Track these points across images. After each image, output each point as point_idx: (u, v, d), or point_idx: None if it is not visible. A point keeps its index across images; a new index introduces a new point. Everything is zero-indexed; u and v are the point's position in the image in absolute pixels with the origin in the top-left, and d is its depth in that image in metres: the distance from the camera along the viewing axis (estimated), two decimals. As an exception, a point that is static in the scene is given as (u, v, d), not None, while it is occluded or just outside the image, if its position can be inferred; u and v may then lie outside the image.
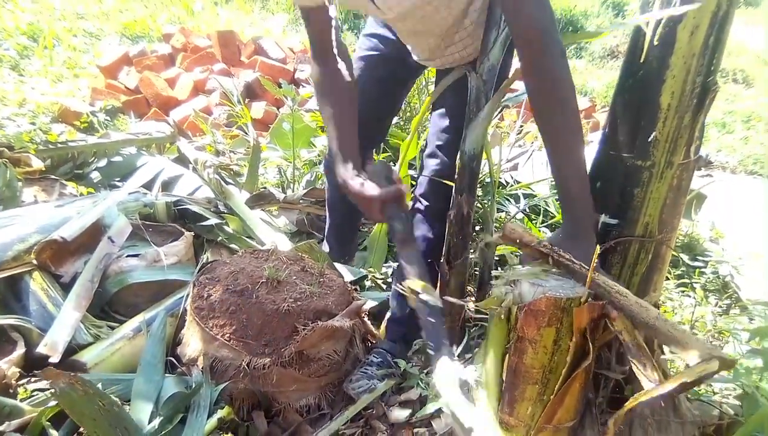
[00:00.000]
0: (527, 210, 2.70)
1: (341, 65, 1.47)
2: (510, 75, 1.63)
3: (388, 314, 1.87)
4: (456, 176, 1.59)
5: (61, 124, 3.70)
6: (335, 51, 1.46)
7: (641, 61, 1.34)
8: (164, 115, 3.72)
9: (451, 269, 1.64)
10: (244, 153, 3.14)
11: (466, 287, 1.71)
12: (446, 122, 1.73)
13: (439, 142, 1.72)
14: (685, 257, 2.73)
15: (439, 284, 1.69)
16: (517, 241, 1.19)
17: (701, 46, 1.28)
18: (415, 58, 1.74)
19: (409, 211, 1.52)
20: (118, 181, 2.72)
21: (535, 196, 2.69)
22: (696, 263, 2.72)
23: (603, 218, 1.43)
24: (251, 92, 3.93)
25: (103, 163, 2.77)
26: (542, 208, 2.63)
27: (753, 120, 6.12)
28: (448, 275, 1.64)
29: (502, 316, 1.17)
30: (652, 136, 1.34)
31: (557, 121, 1.27)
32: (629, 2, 11.12)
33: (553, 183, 2.79)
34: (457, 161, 1.58)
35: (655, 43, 1.31)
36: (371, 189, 1.41)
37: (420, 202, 1.77)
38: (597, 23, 9.32)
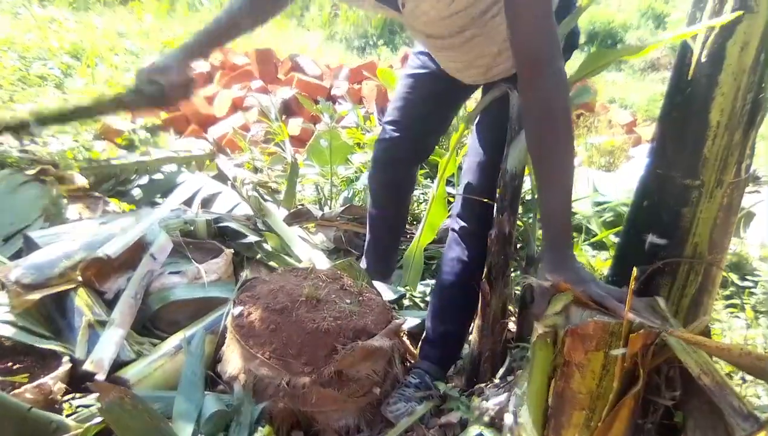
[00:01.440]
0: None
1: None
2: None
3: (424, 335, 1.85)
4: (497, 195, 1.57)
5: (102, 142, 3.80)
6: None
7: (689, 78, 1.32)
8: (203, 132, 3.78)
9: (492, 290, 1.61)
10: (281, 170, 3.16)
11: (508, 307, 1.68)
12: (485, 140, 1.72)
13: (478, 160, 1.71)
14: (734, 277, 2.64)
15: (480, 305, 1.67)
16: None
17: (752, 62, 1.25)
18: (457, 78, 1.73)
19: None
20: (159, 197, 2.77)
21: (576, 214, 2.64)
22: (745, 283, 2.63)
23: (651, 238, 1.40)
24: (288, 109, 3.97)
25: (144, 180, 2.82)
26: (584, 226, 2.58)
27: (800, 133, 5.94)
28: (489, 296, 1.62)
29: (548, 339, 1.14)
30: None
31: (546, 148, 1.24)
32: (670, 12, 10.94)
33: (594, 201, 2.75)
34: (499, 180, 1.56)
35: (703, 59, 1.29)
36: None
37: (456, 221, 1.76)
38: (637, 35, 9.20)
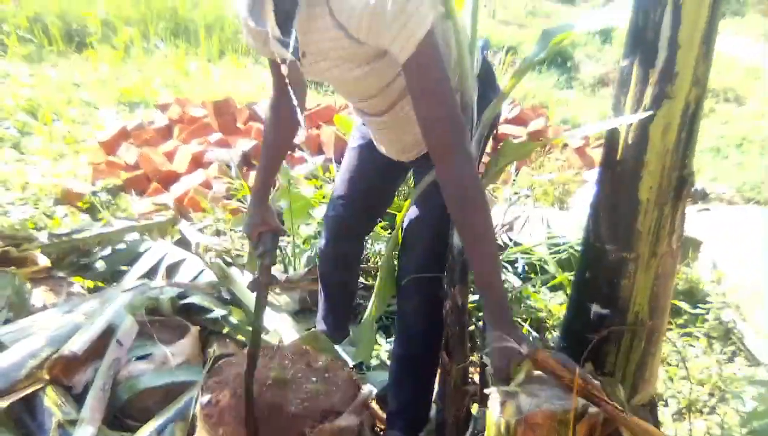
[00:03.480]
0: (526, 268, 2.73)
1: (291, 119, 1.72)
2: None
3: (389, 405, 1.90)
4: (447, 269, 1.63)
5: (63, 207, 3.78)
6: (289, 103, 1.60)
7: (618, 157, 1.40)
8: (165, 190, 3.79)
9: (451, 359, 1.67)
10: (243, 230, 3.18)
11: (468, 373, 1.73)
12: (423, 217, 1.78)
13: (417, 237, 1.78)
14: (686, 305, 2.75)
15: (440, 375, 1.72)
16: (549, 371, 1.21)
17: (674, 143, 1.34)
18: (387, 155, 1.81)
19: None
20: (123, 266, 2.77)
21: (532, 254, 2.72)
22: (698, 311, 2.74)
23: (594, 308, 1.47)
24: (248, 160, 4.00)
25: (107, 251, 2.83)
26: (539, 267, 2.67)
27: (747, 143, 6.17)
28: (449, 365, 1.67)
29: (502, 429, 1.20)
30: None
31: (467, 222, 1.32)
32: (616, 27, 11.25)
33: (550, 242, 2.84)
34: (447, 254, 1.62)
35: (630, 141, 1.37)
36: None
37: (402, 297, 1.84)
38: (585, 52, 9.44)
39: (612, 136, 1.42)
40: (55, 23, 7.81)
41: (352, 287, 2.33)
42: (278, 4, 1.36)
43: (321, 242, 2.19)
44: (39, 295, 2.34)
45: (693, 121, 1.34)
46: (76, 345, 1.82)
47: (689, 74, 1.29)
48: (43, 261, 2.55)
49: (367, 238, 2.62)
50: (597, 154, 5.30)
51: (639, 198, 1.37)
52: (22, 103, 5.59)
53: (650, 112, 1.29)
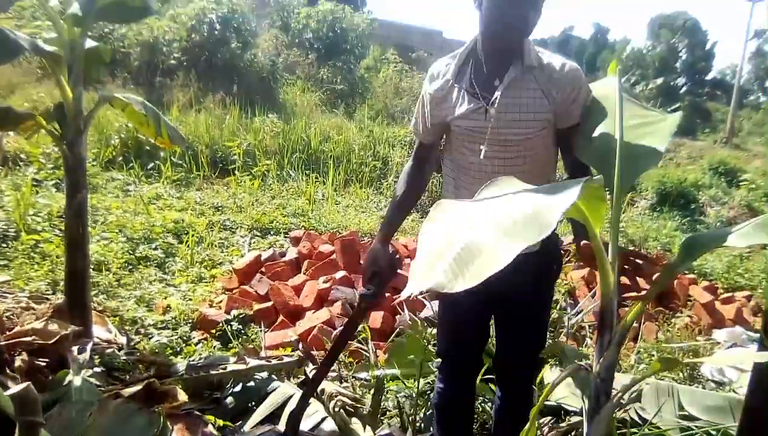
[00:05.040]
0: (656, 449, 2.60)
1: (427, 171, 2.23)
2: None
3: None
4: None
5: (198, 332, 4.08)
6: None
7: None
8: (291, 324, 4.00)
9: None
10: (366, 379, 3.27)
11: None
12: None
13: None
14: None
15: None
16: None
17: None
18: None
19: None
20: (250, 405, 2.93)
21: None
22: None
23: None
24: (370, 300, 4.16)
25: (237, 387, 3.01)
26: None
27: None
28: None
29: None
30: None
31: None
32: (744, 167, 10.88)
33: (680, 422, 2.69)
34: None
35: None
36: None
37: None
38: (710, 194, 9.17)
39: None
40: (204, 152, 8.72)
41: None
42: (482, 70, 1.92)
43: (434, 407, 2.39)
44: (176, 433, 2.50)
45: None
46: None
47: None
48: (182, 397, 2.74)
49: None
50: (726, 309, 5.05)
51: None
52: (170, 225, 6.18)
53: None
